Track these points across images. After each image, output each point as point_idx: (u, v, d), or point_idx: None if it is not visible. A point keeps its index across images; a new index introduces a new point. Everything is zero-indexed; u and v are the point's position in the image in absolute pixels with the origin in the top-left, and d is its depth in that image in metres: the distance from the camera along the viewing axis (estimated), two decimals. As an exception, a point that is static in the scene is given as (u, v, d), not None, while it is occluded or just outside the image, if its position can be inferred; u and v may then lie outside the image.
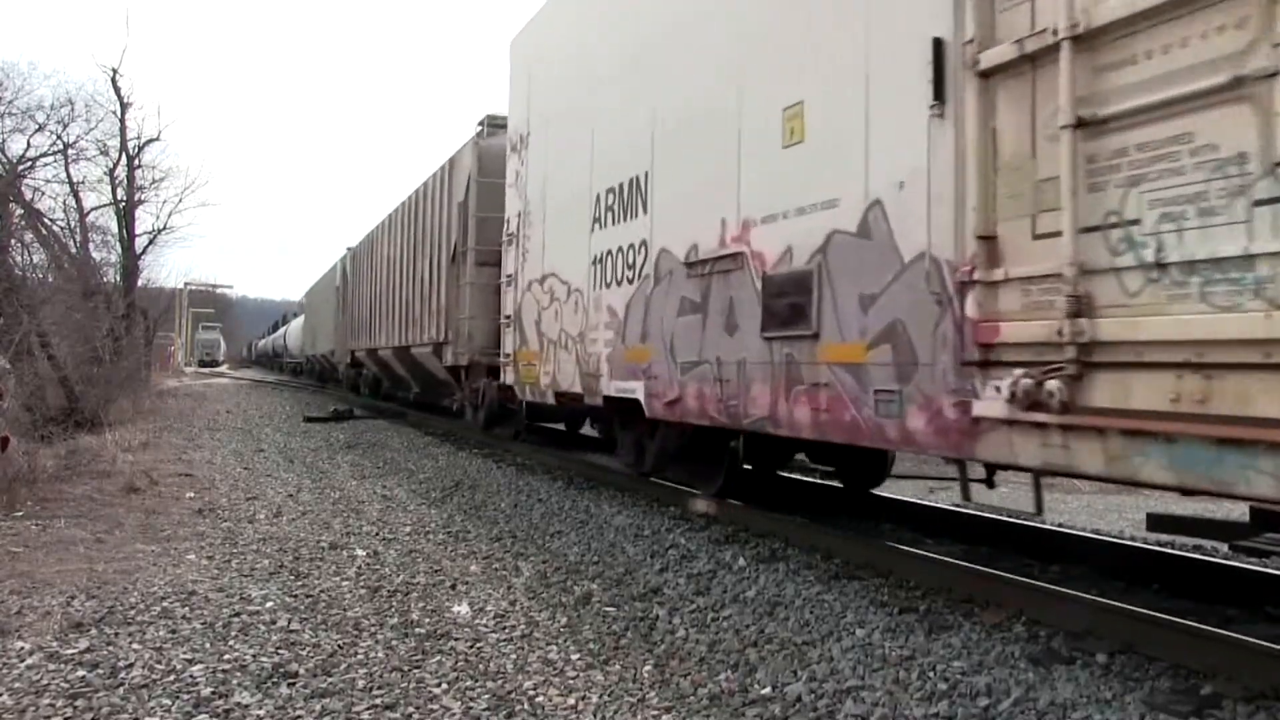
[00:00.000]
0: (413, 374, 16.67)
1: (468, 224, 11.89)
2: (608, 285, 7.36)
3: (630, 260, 6.98)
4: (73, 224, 22.36)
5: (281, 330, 51.15)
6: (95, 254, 23.23)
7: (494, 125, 11.93)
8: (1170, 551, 5.53)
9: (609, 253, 7.35)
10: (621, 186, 7.18)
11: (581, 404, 8.11)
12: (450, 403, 13.98)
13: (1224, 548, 5.50)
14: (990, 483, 4.85)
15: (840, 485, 7.74)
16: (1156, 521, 4.92)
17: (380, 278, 18.24)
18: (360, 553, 6.06)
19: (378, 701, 3.50)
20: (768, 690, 3.59)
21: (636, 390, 6.77)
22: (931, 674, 3.61)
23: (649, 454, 7.60)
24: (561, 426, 13.07)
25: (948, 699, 3.38)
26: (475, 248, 11.69)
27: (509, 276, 9.88)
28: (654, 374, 6.54)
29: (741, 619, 4.48)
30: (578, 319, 7.92)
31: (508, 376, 9.96)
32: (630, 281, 6.96)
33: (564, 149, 8.45)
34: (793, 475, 8.56)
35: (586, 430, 12.64)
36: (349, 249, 23.83)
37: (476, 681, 3.73)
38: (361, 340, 20.33)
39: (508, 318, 9.95)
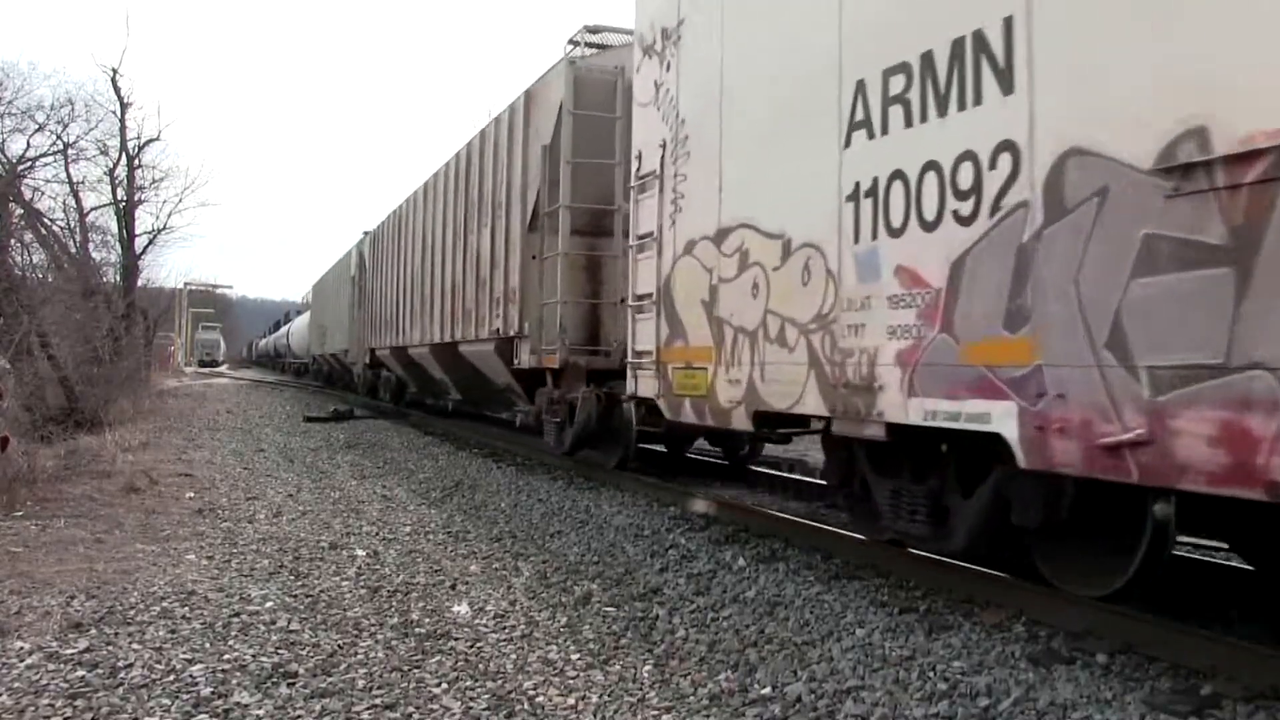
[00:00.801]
0: (456, 378, 13.65)
1: (559, 174, 8.87)
2: (894, 233, 4.45)
3: (964, 183, 4.08)
4: (73, 224, 22.43)
5: (284, 328, 47.57)
6: (95, 254, 23.31)
7: (593, 42, 9.36)
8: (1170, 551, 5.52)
9: (895, 177, 4.44)
10: (929, 59, 4.28)
11: (824, 434, 5.42)
12: (512, 416, 11.60)
13: (1224, 548, 5.50)
14: None
15: None
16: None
17: (412, 261, 15.15)
18: (360, 553, 6.06)
19: (378, 701, 3.49)
20: (768, 690, 3.59)
21: (992, 417, 3.89)
22: (931, 674, 3.61)
23: (962, 521, 4.66)
24: (659, 447, 10.27)
25: (948, 699, 3.38)
26: (569, 206, 8.80)
27: (644, 238, 6.99)
28: (1052, 389, 3.65)
29: (741, 619, 4.48)
30: (812, 294, 5.00)
31: (642, 386, 7.03)
32: (963, 221, 4.08)
33: (765, 28, 5.61)
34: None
35: (693, 452, 10.44)
36: (366, 233, 20.89)
37: (476, 681, 3.73)
38: (384, 337, 17.35)
39: (643, 298, 7.00)
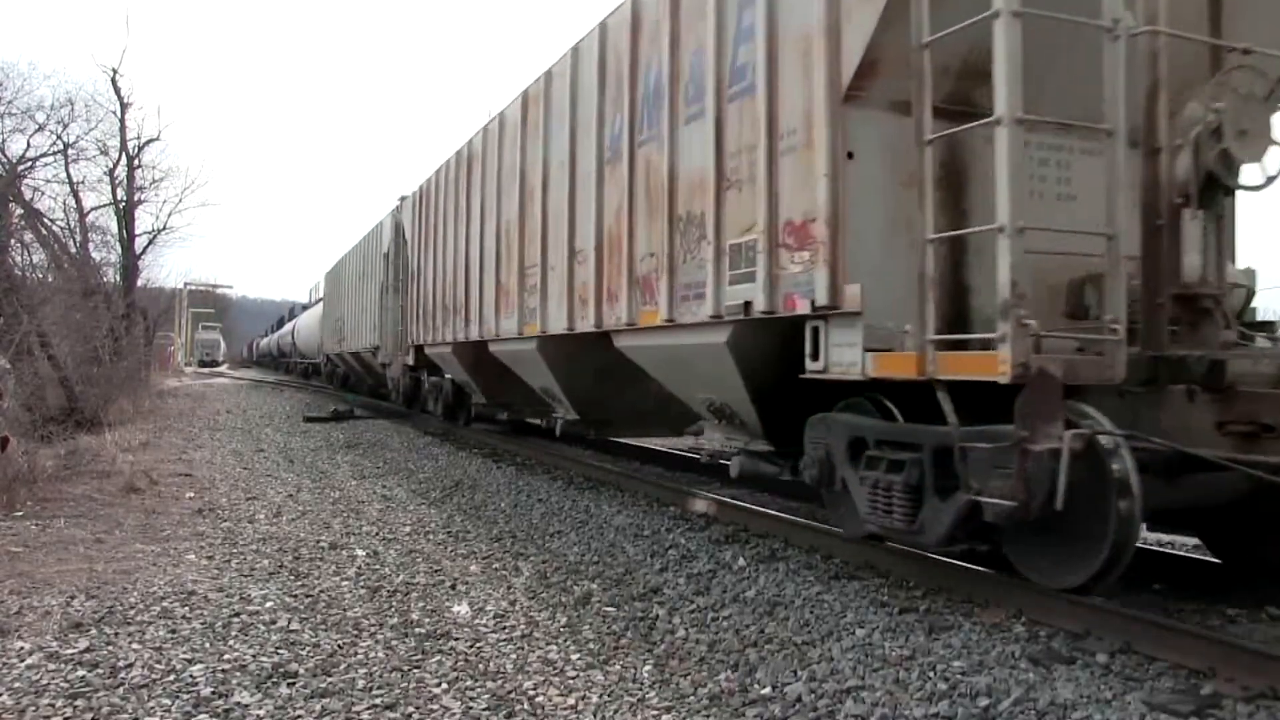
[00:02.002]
0: (583, 386, 8.99)
1: None
2: None
3: None
4: (72, 224, 22.47)
5: (289, 325, 42.77)
6: (95, 254, 23.35)
7: None
8: (1170, 551, 5.53)
9: None
10: None
11: None
12: (707, 456, 6.98)
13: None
14: None
15: None
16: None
17: (498, 217, 10.13)
18: (360, 553, 6.06)
19: (378, 701, 3.50)
20: (768, 690, 3.59)
21: None
22: (931, 674, 3.61)
23: None
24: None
25: (948, 699, 3.38)
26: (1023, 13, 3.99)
27: None
28: None
29: (741, 619, 4.48)
30: None
31: None
32: None
33: None
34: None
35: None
36: (403, 198, 15.98)
37: (476, 681, 3.73)
38: (440, 330, 12.67)
39: None
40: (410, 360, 15.07)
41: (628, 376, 7.88)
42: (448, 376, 13.90)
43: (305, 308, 39.31)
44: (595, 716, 3.41)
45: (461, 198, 11.77)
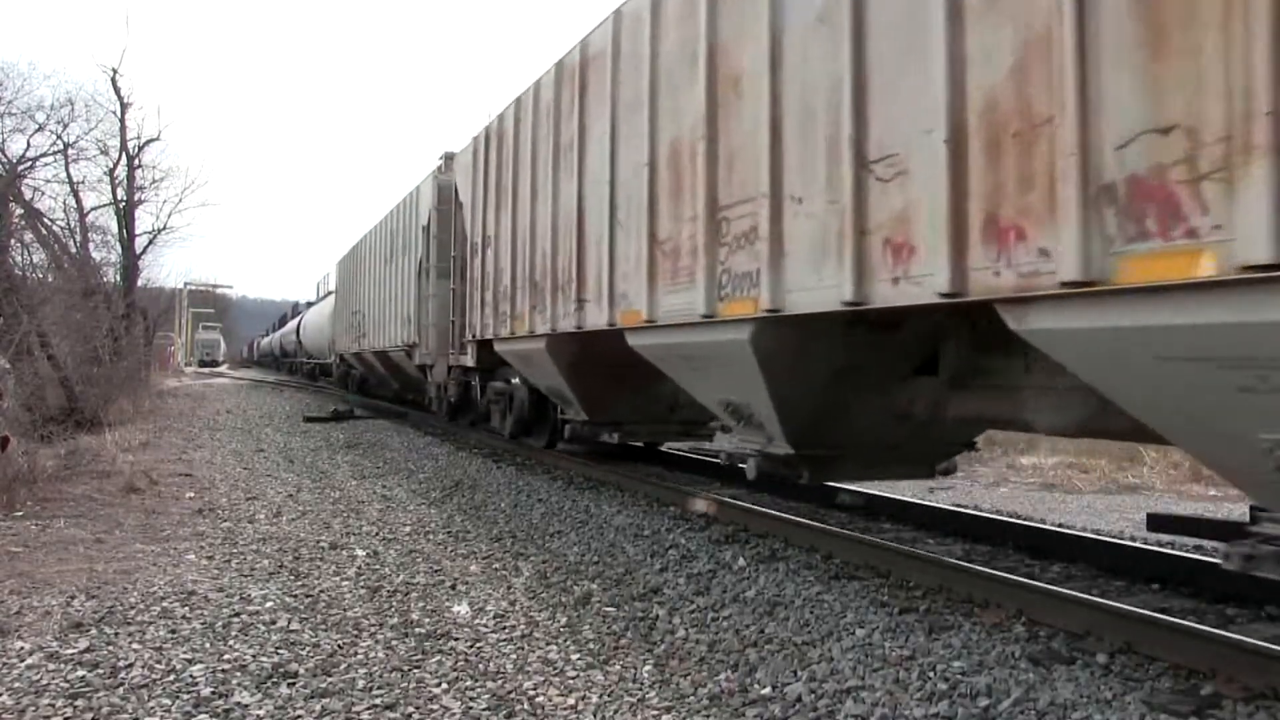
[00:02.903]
0: (793, 396, 5.60)
1: None
2: None
3: None
4: (73, 224, 22.52)
5: (293, 322, 39.57)
6: (95, 254, 23.39)
7: None
8: (1170, 551, 5.53)
9: None
10: None
11: None
12: None
13: (1224, 547, 5.47)
14: None
15: None
16: (1156, 521, 4.91)
17: (661, 128, 6.29)
18: (360, 553, 6.06)
19: (378, 701, 3.50)
20: (768, 690, 3.60)
21: None
22: (931, 674, 3.61)
23: None
24: None
25: (948, 699, 3.38)
26: None
27: None
28: None
29: (741, 619, 4.48)
30: None
31: None
32: None
33: None
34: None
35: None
36: (447, 155, 13.46)
37: (476, 681, 3.73)
38: (529, 317, 8.85)
39: None
40: (470, 360, 11.90)
41: (874, 384, 5.50)
42: (514, 380, 10.89)
43: (310, 305, 37.24)
44: (595, 716, 3.41)
45: (567, 125, 8.10)
